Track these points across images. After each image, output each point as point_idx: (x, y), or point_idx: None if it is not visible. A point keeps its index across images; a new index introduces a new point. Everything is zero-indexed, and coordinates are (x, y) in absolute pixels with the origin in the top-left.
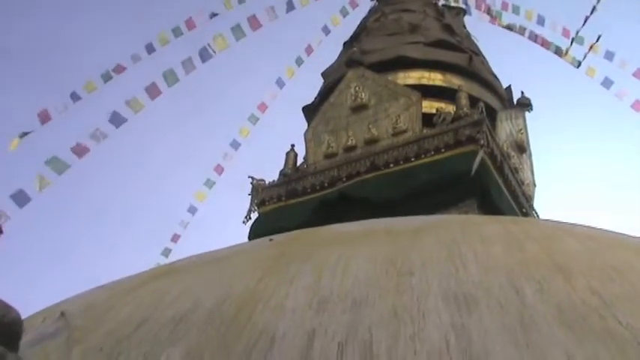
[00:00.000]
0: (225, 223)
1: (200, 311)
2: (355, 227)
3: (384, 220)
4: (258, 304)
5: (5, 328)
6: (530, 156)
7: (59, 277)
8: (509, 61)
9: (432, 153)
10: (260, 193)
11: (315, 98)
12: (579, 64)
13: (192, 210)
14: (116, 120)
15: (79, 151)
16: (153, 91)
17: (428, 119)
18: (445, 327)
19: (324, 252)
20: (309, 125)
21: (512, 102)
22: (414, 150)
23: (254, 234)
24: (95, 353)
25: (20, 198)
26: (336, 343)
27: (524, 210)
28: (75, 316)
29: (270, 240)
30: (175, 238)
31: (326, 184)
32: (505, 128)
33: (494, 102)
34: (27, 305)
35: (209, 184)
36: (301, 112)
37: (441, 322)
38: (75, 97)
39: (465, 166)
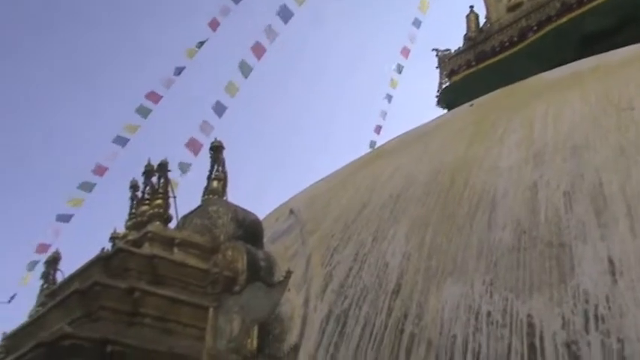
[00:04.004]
0: (423, 103)
1: (416, 186)
2: (558, 72)
3: (589, 59)
4: (472, 169)
5: (249, 229)
6: None
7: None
8: None
9: None
10: (447, 63)
11: None
12: None
13: (388, 98)
14: (284, 14)
15: (257, 51)
16: None
17: None
18: None
19: (530, 104)
20: None
21: None
22: None
23: (451, 105)
24: (328, 240)
25: (218, 108)
26: (561, 192)
27: None
28: (303, 211)
29: (471, 105)
30: (377, 129)
31: (515, 39)
32: None
33: None
34: (258, 208)
35: (399, 68)
36: None
37: None
38: None
39: None
